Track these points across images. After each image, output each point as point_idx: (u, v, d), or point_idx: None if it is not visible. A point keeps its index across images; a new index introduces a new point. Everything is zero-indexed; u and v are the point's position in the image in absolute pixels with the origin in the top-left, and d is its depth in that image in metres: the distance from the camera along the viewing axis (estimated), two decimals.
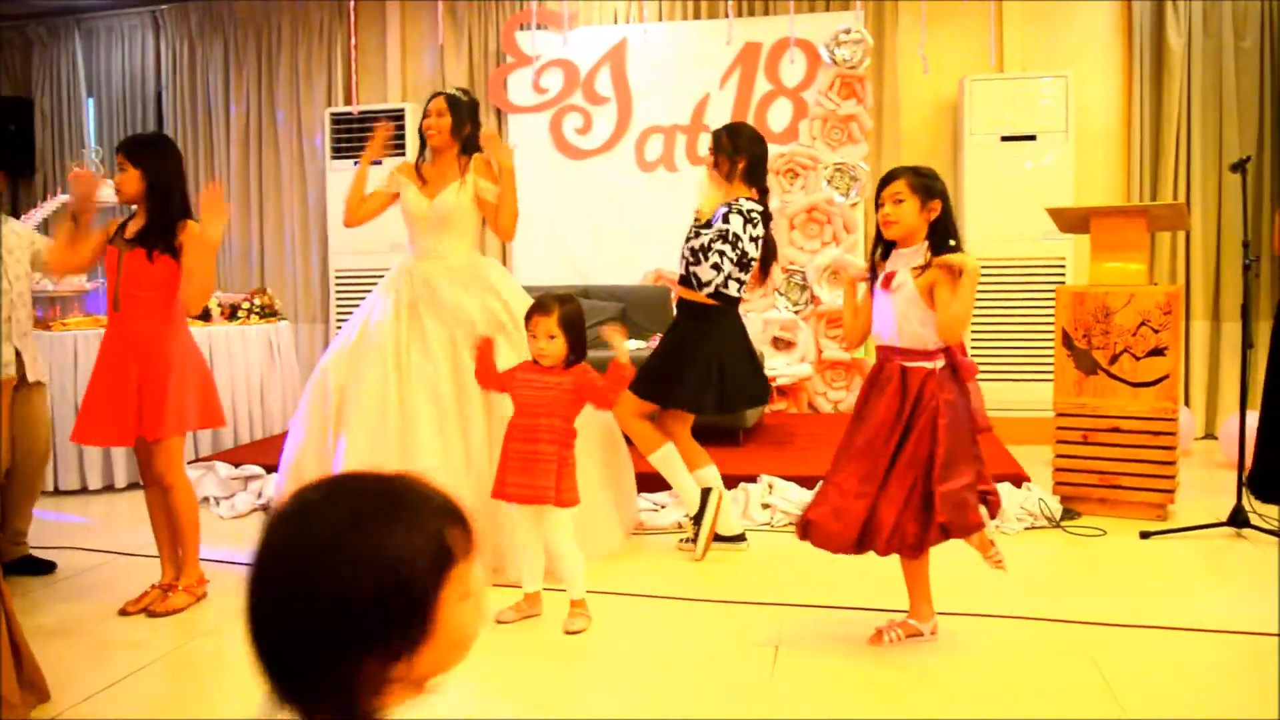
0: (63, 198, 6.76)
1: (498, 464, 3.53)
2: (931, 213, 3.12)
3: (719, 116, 7.19)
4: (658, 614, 3.64)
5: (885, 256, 3.23)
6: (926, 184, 3.13)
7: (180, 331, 3.77)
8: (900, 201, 3.12)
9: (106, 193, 6.92)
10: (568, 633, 3.43)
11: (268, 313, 6.49)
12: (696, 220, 4.21)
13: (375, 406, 4.04)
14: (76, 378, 5.45)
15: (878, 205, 3.18)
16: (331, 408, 4.13)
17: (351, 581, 1.01)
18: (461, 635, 1.11)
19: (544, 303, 3.47)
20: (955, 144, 7.01)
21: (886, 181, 3.18)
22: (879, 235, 3.23)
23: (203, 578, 3.83)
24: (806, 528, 3.18)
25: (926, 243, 3.13)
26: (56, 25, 8.63)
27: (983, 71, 6.88)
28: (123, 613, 3.68)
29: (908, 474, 3.05)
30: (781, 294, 7.09)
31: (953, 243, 3.09)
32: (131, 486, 5.53)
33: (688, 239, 4.24)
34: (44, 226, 6.35)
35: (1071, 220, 5.05)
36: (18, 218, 6.63)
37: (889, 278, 3.14)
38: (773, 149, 7.10)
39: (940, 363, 3.09)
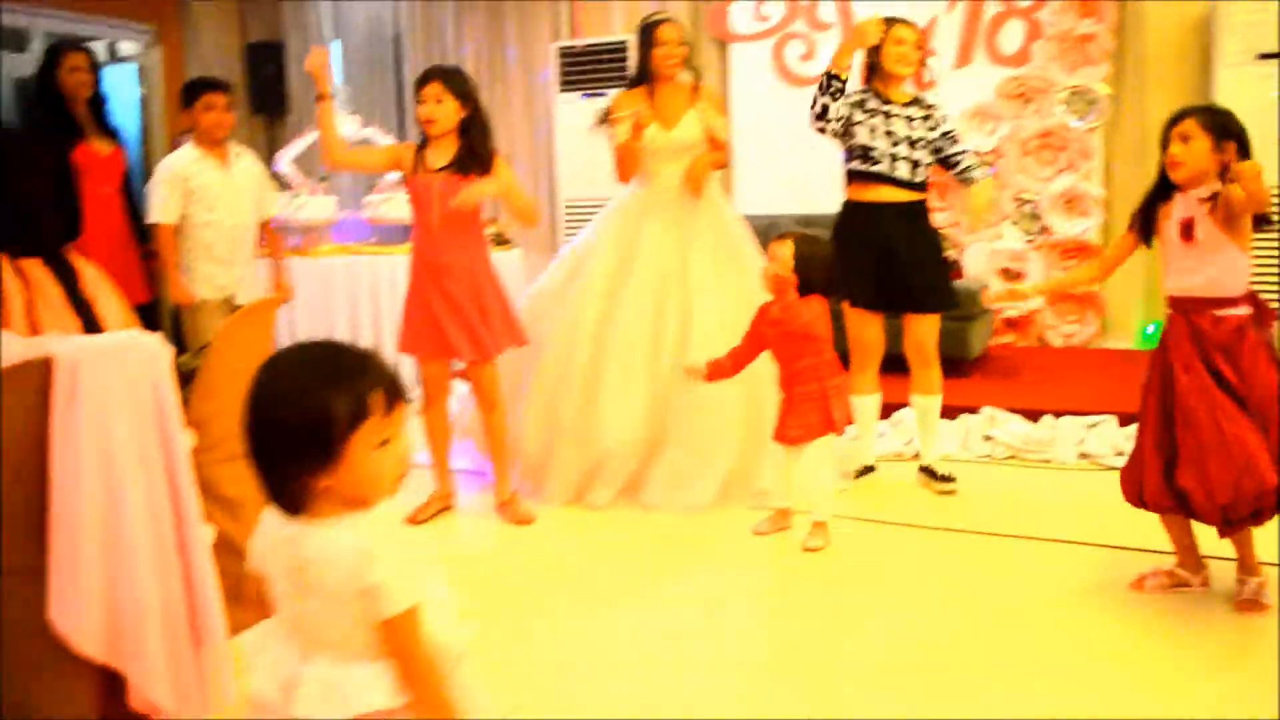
0: (313, 135, 7.21)
1: (779, 409, 3.71)
2: (1226, 155, 2.83)
3: (948, 41, 6.97)
4: (880, 539, 3.71)
5: (1159, 202, 3.00)
6: (1221, 122, 2.87)
7: (490, 257, 4.01)
8: (1188, 140, 2.86)
9: (350, 128, 7.35)
10: (806, 550, 3.57)
11: (500, 241, 6.76)
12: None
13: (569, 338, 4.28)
14: (328, 304, 5.89)
15: (1164, 145, 2.94)
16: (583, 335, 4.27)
17: (278, 414, 1.44)
18: (373, 472, 1.47)
19: (785, 232, 3.74)
20: (1205, 66, 6.54)
21: (1175, 121, 2.91)
22: (1160, 182, 2.99)
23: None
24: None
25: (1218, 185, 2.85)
26: None
27: None
28: (413, 521, 3.94)
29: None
30: (1013, 223, 6.87)
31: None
32: None
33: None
34: (299, 161, 6.81)
35: None
36: (274, 154, 7.13)
37: (1187, 225, 2.88)
38: (1003, 73, 6.91)
39: (1247, 309, 2.89)
